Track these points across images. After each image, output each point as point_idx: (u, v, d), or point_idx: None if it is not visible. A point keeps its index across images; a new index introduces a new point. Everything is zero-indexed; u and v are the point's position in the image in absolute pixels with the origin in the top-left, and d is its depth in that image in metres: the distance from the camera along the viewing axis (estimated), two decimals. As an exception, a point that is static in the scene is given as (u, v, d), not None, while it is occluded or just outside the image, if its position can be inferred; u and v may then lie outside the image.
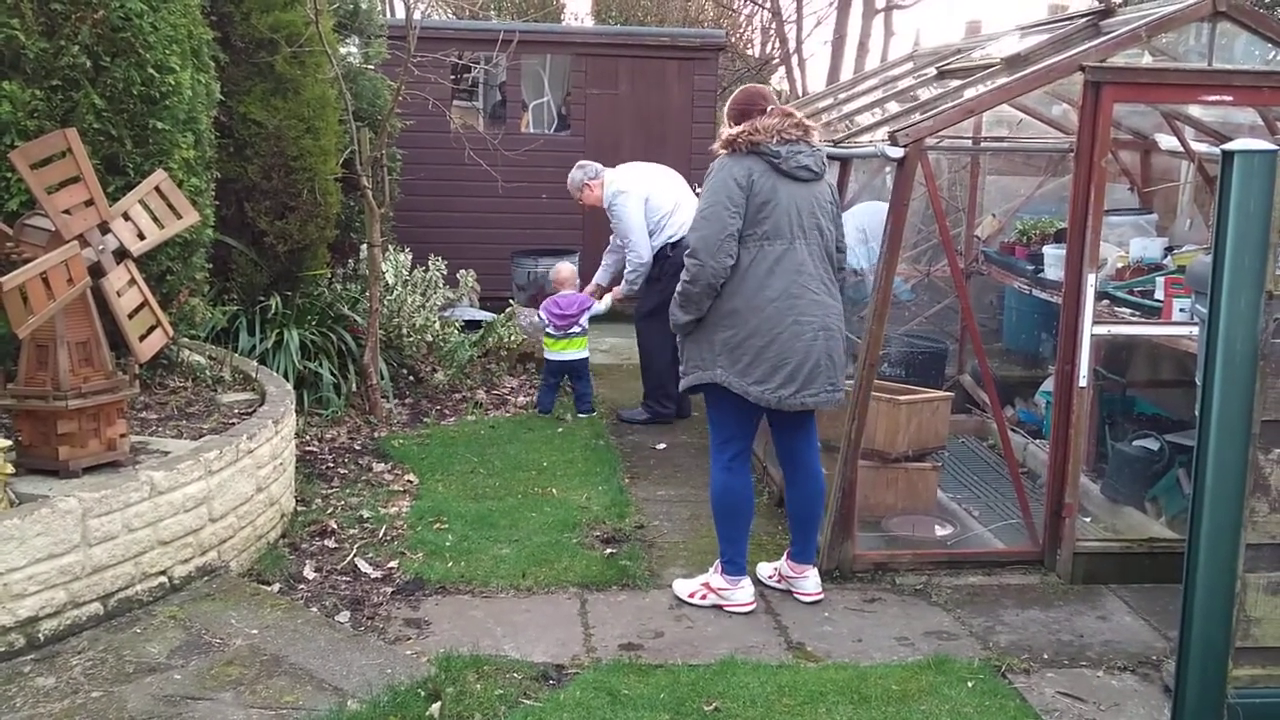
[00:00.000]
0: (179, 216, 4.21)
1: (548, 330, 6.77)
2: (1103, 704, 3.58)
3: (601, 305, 6.83)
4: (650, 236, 6.48)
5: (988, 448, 6.08)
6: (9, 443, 3.72)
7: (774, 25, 17.58)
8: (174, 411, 4.80)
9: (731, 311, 3.97)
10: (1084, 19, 5.20)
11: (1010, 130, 6.52)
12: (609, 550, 4.68)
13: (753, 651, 3.85)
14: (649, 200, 6.48)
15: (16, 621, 3.41)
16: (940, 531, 4.95)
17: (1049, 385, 5.64)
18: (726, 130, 4.06)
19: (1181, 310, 4.54)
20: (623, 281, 6.67)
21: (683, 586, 4.27)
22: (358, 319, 6.60)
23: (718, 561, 4.24)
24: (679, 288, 4.05)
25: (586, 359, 6.88)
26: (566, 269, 7.04)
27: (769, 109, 4.06)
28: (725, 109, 4.20)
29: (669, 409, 6.75)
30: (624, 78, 9.93)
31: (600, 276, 6.91)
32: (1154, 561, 4.46)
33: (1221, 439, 2.97)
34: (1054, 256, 5.29)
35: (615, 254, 6.80)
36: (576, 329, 6.74)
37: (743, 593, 4.17)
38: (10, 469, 3.66)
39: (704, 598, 4.19)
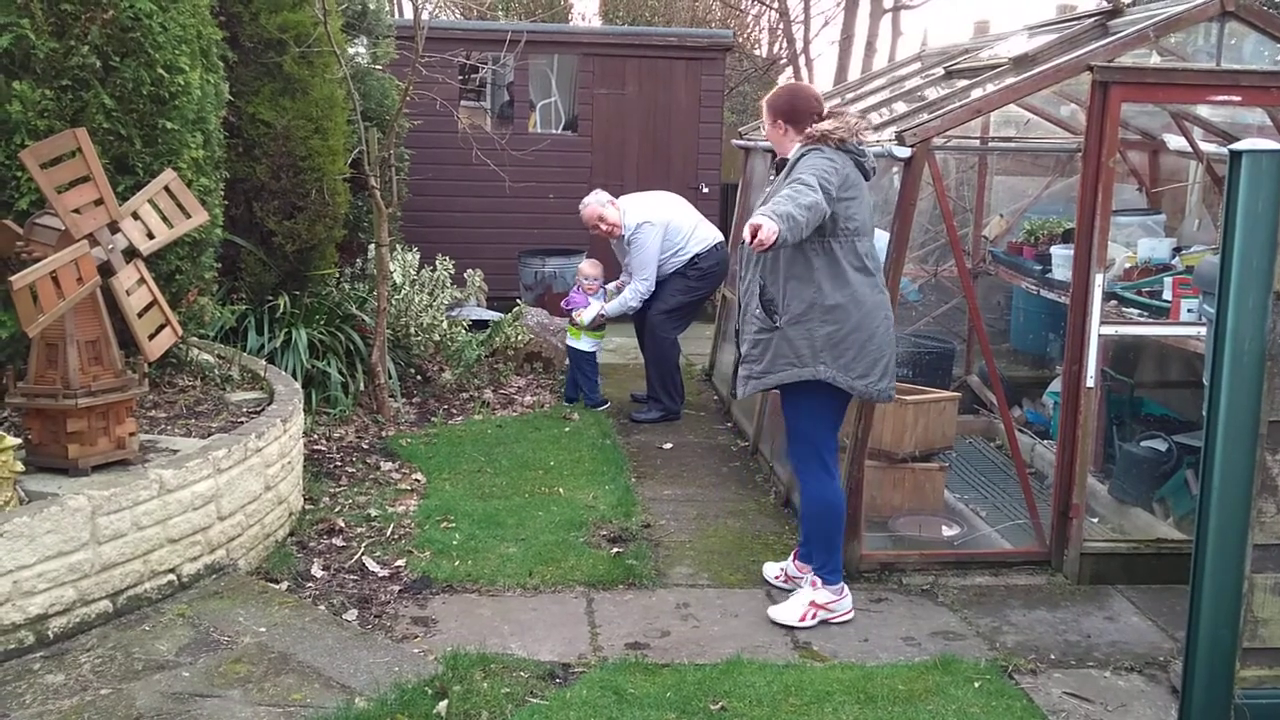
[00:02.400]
0: (188, 216, 4.22)
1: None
2: (1110, 704, 3.58)
3: (585, 316, 6.84)
4: (674, 256, 6.65)
5: (995, 448, 6.07)
6: (18, 441, 3.73)
7: (781, 25, 17.57)
8: (183, 410, 4.82)
9: (835, 306, 3.91)
10: (1092, 19, 5.20)
11: (1018, 130, 6.52)
12: (615, 549, 4.68)
13: (759, 651, 3.86)
14: (669, 224, 6.64)
15: (26, 619, 3.43)
16: (947, 532, 4.95)
17: (1056, 386, 5.63)
18: (816, 125, 3.98)
19: (1189, 311, 4.54)
20: (618, 302, 6.77)
21: (785, 613, 4.09)
22: (365, 318, 6.62)
23: (811, 577, 4.16)
24: (795, 214, 3.67)
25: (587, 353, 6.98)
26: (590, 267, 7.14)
27: (826, 109, 4.08)
28: (770, 104, 4.14)
29: (678, 404, 6.84)
30: (631, 78, 9.94)
31: (611, 306, 6.88)
32: (1161, 562, 4.46)
33: (1229, 439, 2.97)
34: (1061, 257, 5.28)
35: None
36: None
37: (848, 599, 4.14)
38: (20, 467, 3.67)
39: (814, 616, 4.06)
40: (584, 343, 6.91)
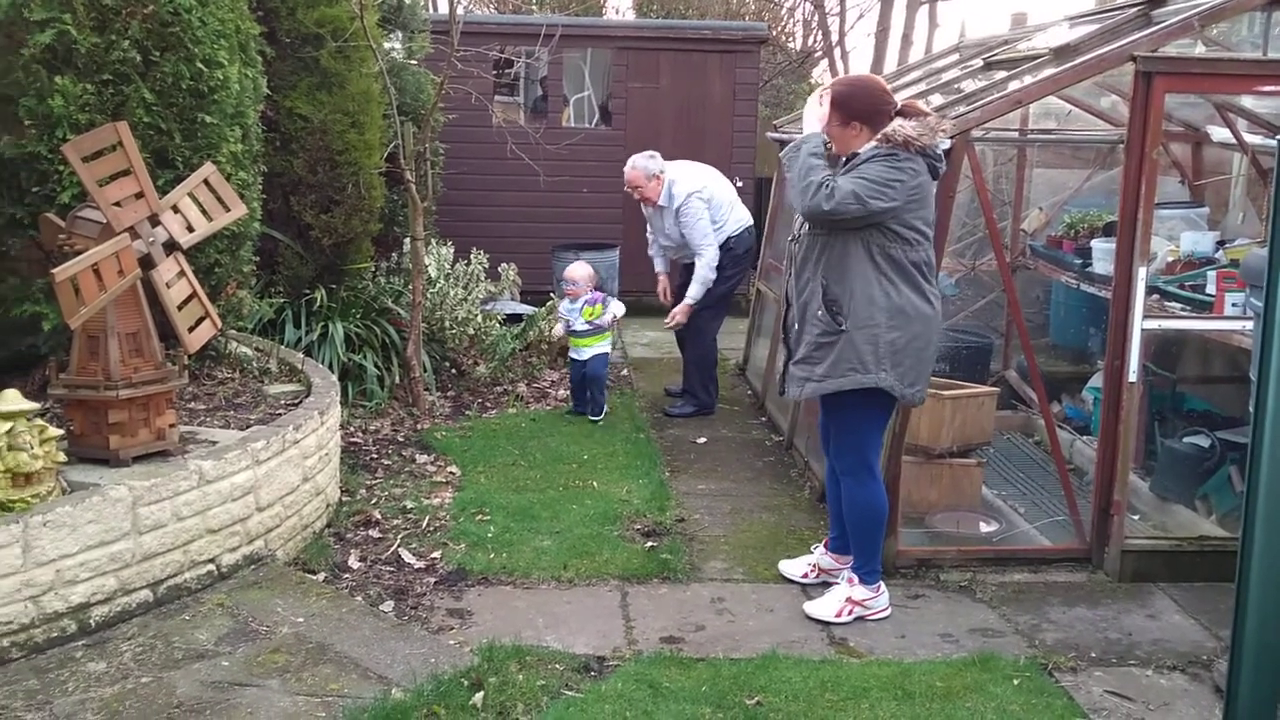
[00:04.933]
0: (227, 209, 4.25)
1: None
2: (1152, 703, 3.53)
3: (605, 319, 6.53)
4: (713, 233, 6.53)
5: (1033, 444, 6.01)
6: (61, 432, 3.77)
7: (816, 18, 17.48)
8: (222, 402, 4.86)
9: (900, 311, 3.83)
10: (1134, 8, 5.11)
11: (1058, 122, 6.44)
12: (650, 543, 4.67)
13: (794, 646, 3.84)
14: (713, 199, 6.54)
15: (69, 607, 3.47)
16: (985, 528, 4.90)
17: (1096, 381, 5.57)
18: (898, 125, 3.78)
19: (1234, 305, 4.46)
20: (697, 288, 6.52)
21: (822, 608, 4.07)
22: (401, 312, 6.65)
23: (847, 574, 4.14)
24: (812, 185, 3.74)
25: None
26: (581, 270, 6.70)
27: (899, 105, 3.92)
28: (846, 104, 3.89)
29: (713, 399, 6.82)
30: (665, 71, 9.91)
31: (694, 291, 6.59)
32: (1204, 560, 4.40)
33: (1277, 435, 2.91)
34: (1102, 250, 5.21)
35: (670, 253, 6.80)
36: (583, 325, 6.52)
37: (885, 597, 4.11)
38: (62, 457, 3.71)
39: (850, 613, 4.04)
40: (594, 349, 6.52)
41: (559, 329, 6.74)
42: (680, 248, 6.67)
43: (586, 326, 6.49)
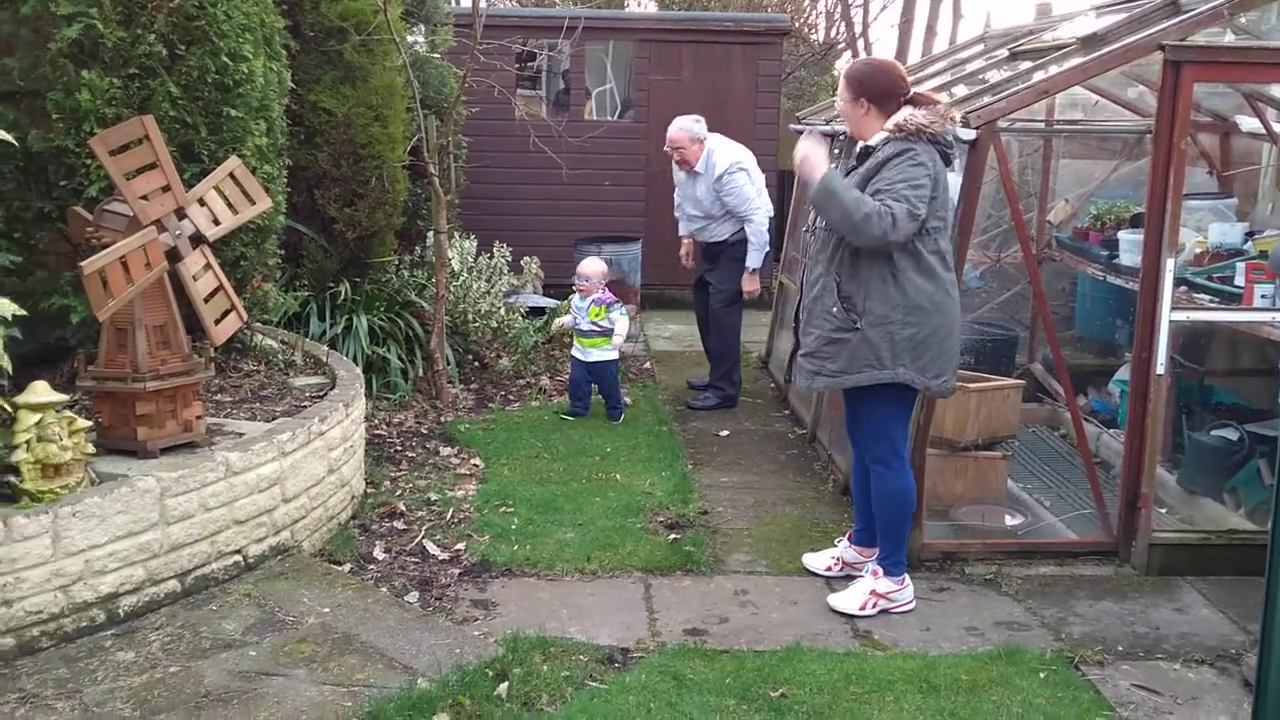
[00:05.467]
0: (253, 202, 4.27)
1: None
2: (1180, 697, 3.50)
3: (619, 330, 6.35)
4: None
5: (1058, 437, 5.97)
6: (89, 423, 3.81)
7: (839, 9, 17.40)
8: (247, 394, 4.89)
9: (918, 307, 3.81)
10: (1162, -3, 5.07)
11: (1085, 113, 6.39)
12: (673, 536, 4.68)
13: (819, 639, 3.83)
14: (749, 171, 6.57)
15: (98, 597, 3.50)
16: (1010, 521, 4.87)
17: (1123, 374, 5.53)
18: (909, 114, 3.78)
19: (1263, 297, 4.42)
20: (755, 255, 6.52)
21: (846, 601, 4.05)
22: (424, 305, 6.67)
23: (871, 566, 4.13)
24: (865, 208, 3.70)
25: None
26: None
27: (910, 93, 3.90)
28: (856, 80, 3.91)
29: (736, 390, 6.83)
30: (688, 63, 9.89)
31: (753, 259, 6.58)
32: (1232, 553, 4.36)
33: (1308, 427, 2.88)
34: (1129, 242, 5.17)
35: (694, 225, 6.74)
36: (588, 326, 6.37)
37: (910, 589, 4.10)
38: (91, 449, 3.74)
39: (874, 606, 4.01)
40: (598, 353, 6.33)
41: (565, 320, 6.66)
42: (705, 220, 6.63)
43: (591, 327, 6.34)
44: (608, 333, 6.33)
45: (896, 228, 3.70)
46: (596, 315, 6.33)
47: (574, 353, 6.43)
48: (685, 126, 6.53)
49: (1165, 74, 4.18)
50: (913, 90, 3.93)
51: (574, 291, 6.53)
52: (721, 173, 6.46)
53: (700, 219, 6.66)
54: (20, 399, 3.57)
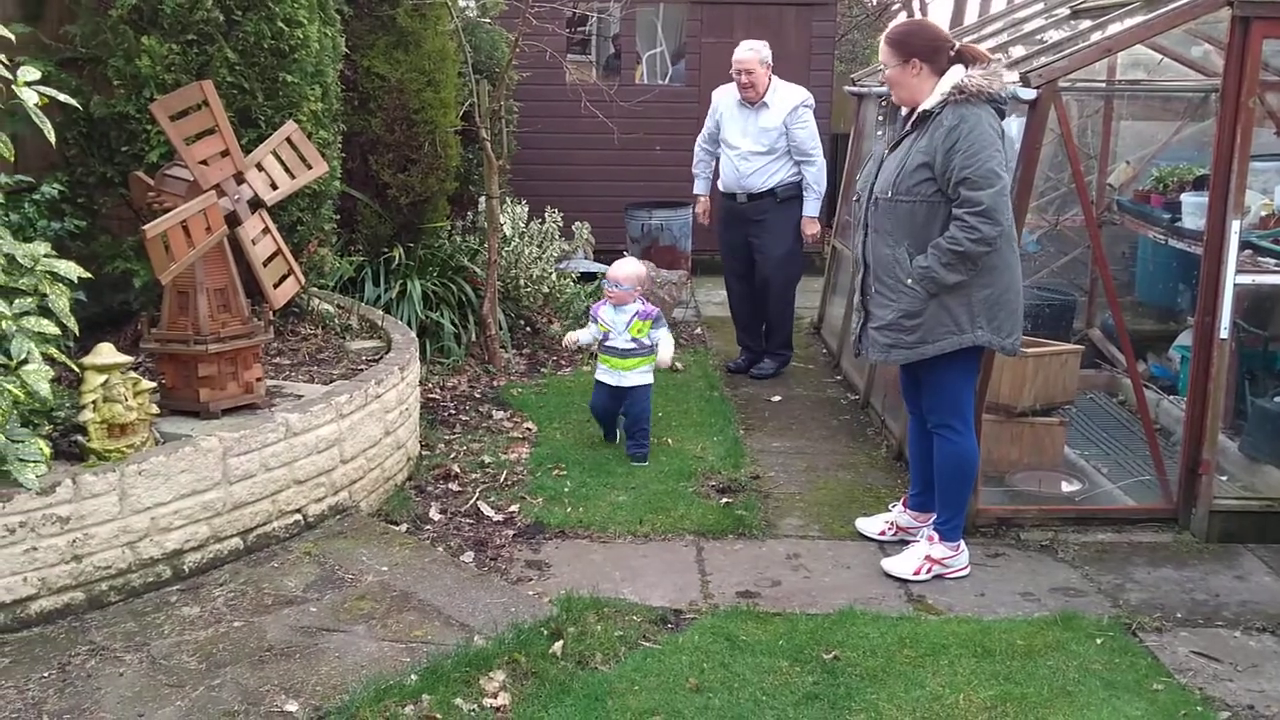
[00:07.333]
0: (309, 167, 4.31)
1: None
2: (1240, 664, 3.46)
3: (664, 351, 5.19)
4: (799, 165, 6.41)
5: (1117, 404, 5.88)
6: (153, 385, 3.89)
7: (893, -29, 17.09)
8: (305, 357, 4.96)
9: (990, 268, 3.79)
10: (1232, -49, 4.91)
11: (1147, 73, 6.24)
12: (725, 500, 4.68)
13: (872, 603, 3.83)
14: (814, 110, 6.48)
15: (164, 553, 3.59)
16: (1067, 487, 4.82)
17: (1184, 339, 5.43)
18: (965, 76, 3.72)
19: (1333, 259, 4.31)
20: (813, 202, 6.39)
21: (900, 565, 4.04)
22: (477, 270, 6.70)
23: (927, 531, 4.11)
24: (956, 247, 3.71)
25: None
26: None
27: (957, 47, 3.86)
28: (901, 42, 3.87)
29: (789, 355, 6.83)
30: (740, 26, 9.76)
31: (812, 206, 6.44)
32: (1296, 521, 4.29)
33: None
34: (1193, 205, 5.06)
35: (765, 159, 6.39)
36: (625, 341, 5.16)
37: (965, 555, 4.08)
38: (155, 409, 3.83)
39: (929, 571, 4.00)
40: (635, 375, 5.13)
41: (580, 337, 5.36)
42: (766, 155, 6.31)
43: (630, 345, 5.13)
44: (649, 351, 5.19)
45: (991, 218, 3.67)
46: (639, 331, 5.13)
47: (601, 376, 5.21)
48: (755, 48, 6.30)
49: (1233, 30, 4.08)
50: (958, 44, 3.88)
51: (602, 299, 5.33)
52: (798, 104, 6.30)
53: (761, 155, 6.34)
54: (87, 360, 3.66)
